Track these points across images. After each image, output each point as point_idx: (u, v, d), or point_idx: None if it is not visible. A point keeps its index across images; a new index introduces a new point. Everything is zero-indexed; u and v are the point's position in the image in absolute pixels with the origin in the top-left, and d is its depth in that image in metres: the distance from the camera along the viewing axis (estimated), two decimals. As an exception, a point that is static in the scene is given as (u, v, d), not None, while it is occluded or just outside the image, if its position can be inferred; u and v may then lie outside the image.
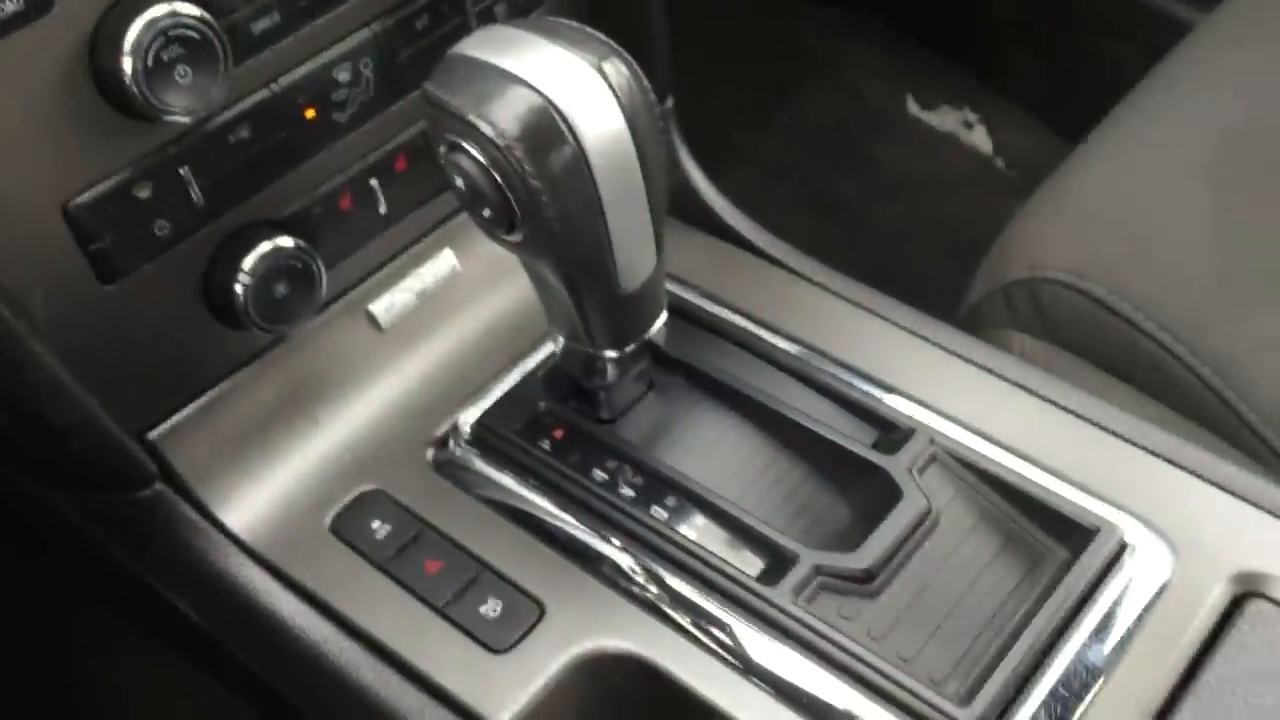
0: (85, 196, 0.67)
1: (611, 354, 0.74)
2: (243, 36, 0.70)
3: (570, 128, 0.64)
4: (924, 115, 1.89)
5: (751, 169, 1.78)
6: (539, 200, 0.64)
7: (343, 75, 0.76)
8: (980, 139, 1.84)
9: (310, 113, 0.75)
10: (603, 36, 0.67)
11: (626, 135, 0.65)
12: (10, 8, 0.61)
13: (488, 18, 0.82)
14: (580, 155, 0.64)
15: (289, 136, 0.75)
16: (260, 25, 0.71)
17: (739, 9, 1.94)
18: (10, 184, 0.64)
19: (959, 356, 0.83)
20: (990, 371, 0.81)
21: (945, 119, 1.87)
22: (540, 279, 0.72)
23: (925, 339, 0.84)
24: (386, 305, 0.85)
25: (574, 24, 0.68)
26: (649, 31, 0.91)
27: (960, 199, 1.78)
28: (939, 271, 1.69)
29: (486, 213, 0.67)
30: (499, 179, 0.65)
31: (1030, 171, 1.77)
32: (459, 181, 0.66)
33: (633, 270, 0.70)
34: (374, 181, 0.81)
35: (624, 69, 0.66)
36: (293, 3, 0.72)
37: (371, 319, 0.85)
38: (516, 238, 0.67)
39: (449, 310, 0.87)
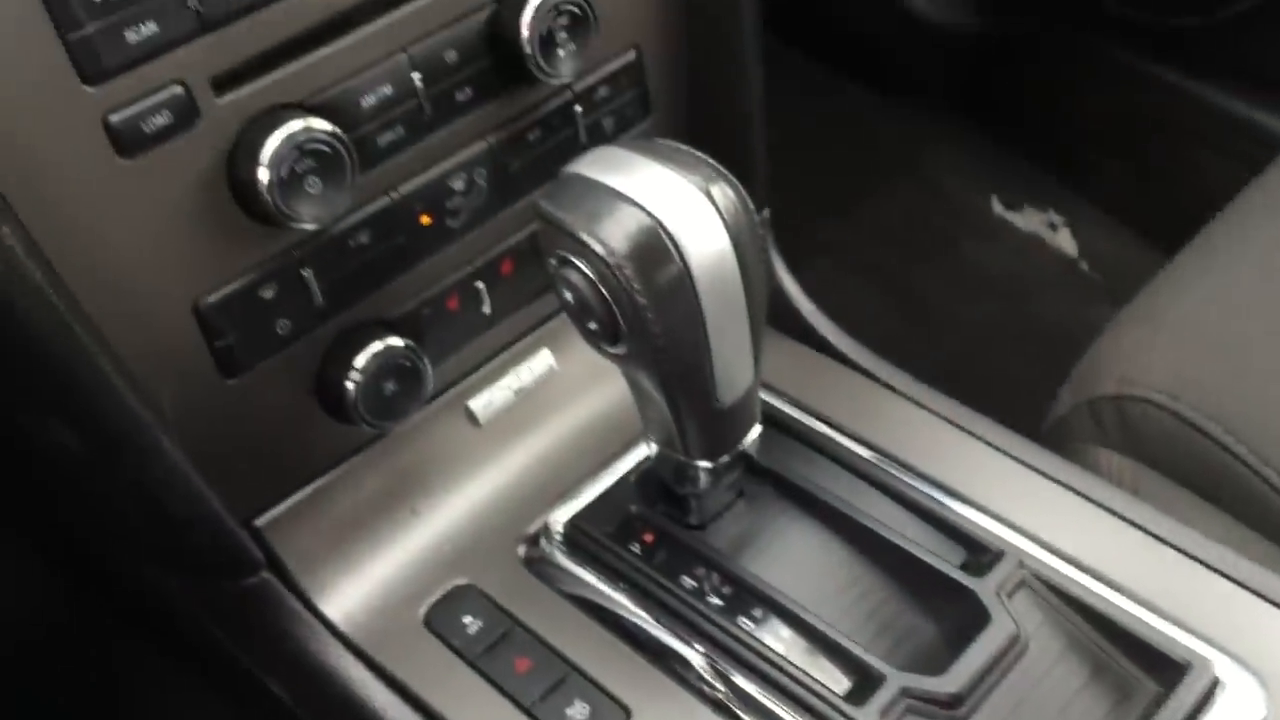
0: (215, 296, 0.71)
1: (705, 464, 0.76)
2: (369, 148, 0.74)
3: (677, 248, 0.66)
4: (1008, 215, 1.90)
5: (833, 263, 1.80)
6: (644, 317, 0.66)
7: (458, 184, 0.80)
8: (1065, 241, 1.85)
9: (425, 219, 0.79)
10: (710, 160, 0.70)
11: (731, 256, 0.68)
12: (161, 121, 0.65)
13: (596, 130, 0.86)
14: (686, 275, 0.66)
15: (405, 241, 0.78)
16: (385, 138, 0.74)
17: (825, 102, 1.98)
18: (148, 283, 0.68)
19: (1048, 477, 0.83)
20: (1080, 494, 0.81)
21: (1030, 219, 1.88)
22: (639, 388, 0.74)
23: (1015, 458, 0.85)
24: (485, 402, 0.87)
25: (683, 147, 0.71)
26: (749, 142, 0.94)
27: (1044, 301, 1.78)
28: (1021, 373, 1.69)
29: (592, 326, 0.69)
30: (607, 295, 0.67)
31: (1115, 276, 1.77)
32: (567, 295, 0.69)
33: (731, 385, 0.72)
34: (480, 284, 0.84)
35: (730, 192, 0.68)
36: (416, 116, 0.75)
37: (470, 415, 0.87)
38: (620, 350, 0.69)
39: (545, 408, 0.89)
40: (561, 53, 0.78)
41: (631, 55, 0.86)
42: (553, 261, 0.69)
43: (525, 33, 0.76)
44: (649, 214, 0.66)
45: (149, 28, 0.63)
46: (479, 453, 0.87)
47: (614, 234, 0.66)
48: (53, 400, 0.65)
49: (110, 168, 0.64)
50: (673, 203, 0.67)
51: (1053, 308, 1.75)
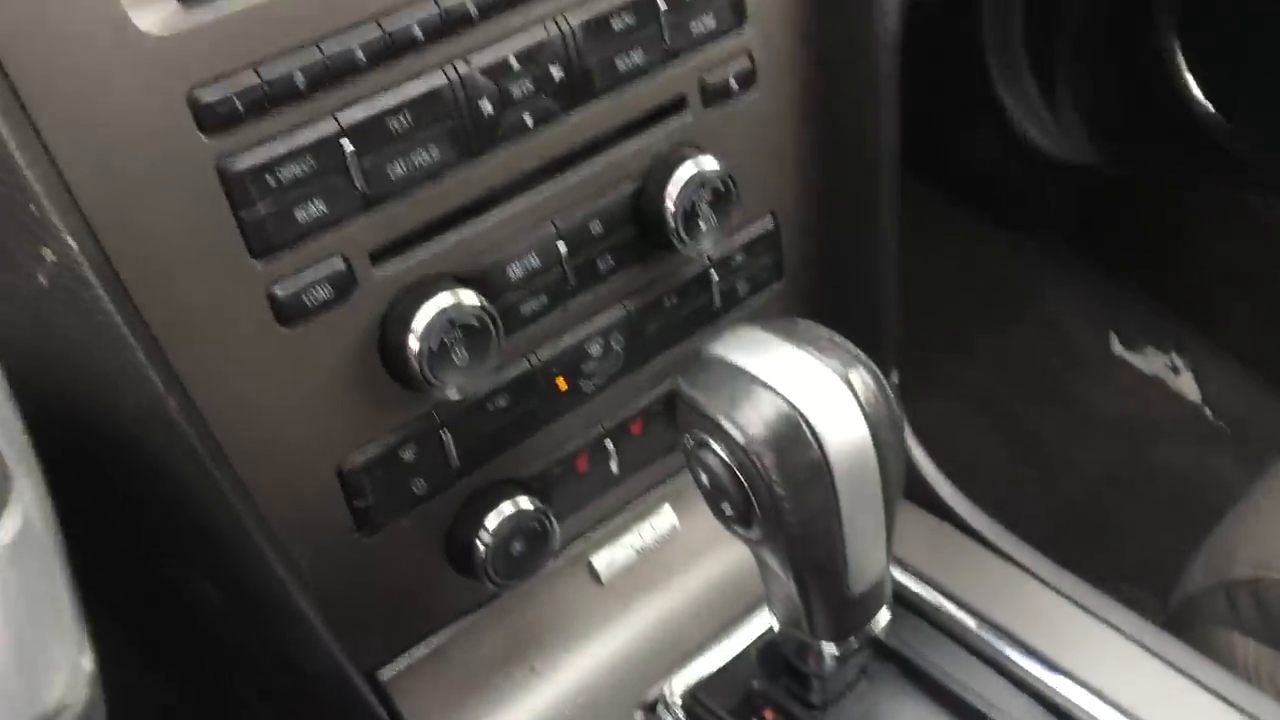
0: (358, 457, 0.73)
1: (831, 648, 0.75)
2: (513, 316, 0.75)
3: (816, 437, 0.66)
4: (1129, 356, 1.86)
5: (952, 398, 1.78)
6: (780, 505, 0.66)
7: (595, 348, 0.81)
8: (1187, 385, 1.80)
9: (561, 382, 0.80)
10: (849, 345, 0.70)
11: (869, 446, 0.67)
12: (321, 293, 0.68)
13: (730, 294, 0.87)
14: (823, 464, 0.66)
15: (540, 404, 0.79)
16: (529, 306, 0.76)
17: (945, 236, 1.98)
18: (296, 445, 0.70)
19: (1187, 676, 0.80)
20: (1222, 698, 0.78)
21: (1151, 362, 1.84)
22: (767, 568, 0.74)
23: (1150, 650, 0.82)
24: (608, 560, 0.88)
25: (821, 329, 0.71)
26: (881, 306, 0.94)
27: (1165, 446, 1.73)
28: (1140, 523, 1.65)
29: (726, 509, 0.69)
30: (743, 480, 0.67)
31: (1242, 426, 1.72)
32: (703, 477, 0.69)
33: (862, 574, 0.71)
34: (610, 443, 0.85)
35: (869, 379, 0.68)
36: (560, 285, 0.77)
37: (593, 572, 0.88)
38: (754, 535, 0.69)
39: (667, 568, 0.89)
40: (703, 225, 0.79)
41: (769, 223, 0.87)
42: (690, 442, 0.70)
43: (670, 207, 0.77)
44: (788, 401, 0.66)
45: (317, 207, 0.66)
46: (600, 611, 0.87)
47: (752, 420, 0.66)
48: (198, 557, 0.67)
49: (270, 336, 0.67)
50: (812, 390, 0.67)
51: (1174, 455, 1.70)
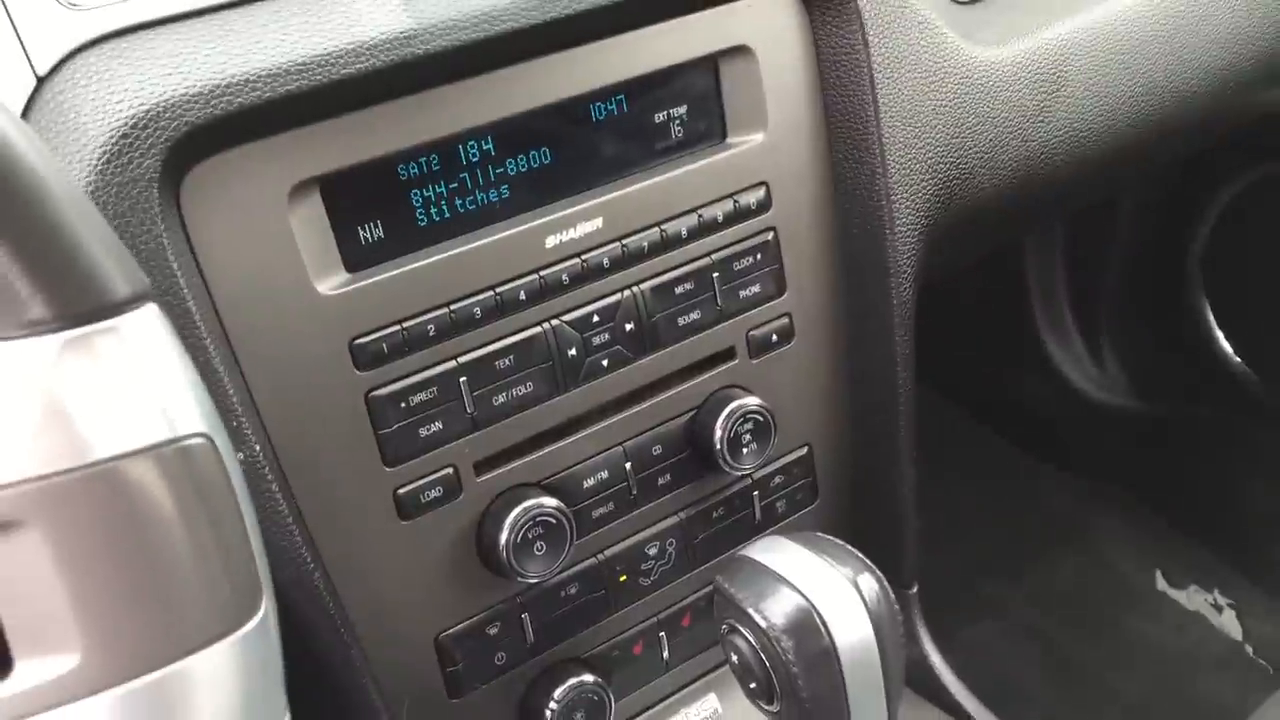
0: (453, 631, 0.88)
1: (844, 819, 0.86)
2: (584, 519, 0.91)
3: (826, 628, 0.80)
4: (1172, 592, 1.93)
5: (996, 625, 1.87)
6: (795, 682, 0.80)
7: (652, 550, 0.97)
8: (1230, 623, 1.87)
9: (623, 578, 0.95)
10: (859, 555, 0.85)
11: (872, 640, 0.81)
12: (434, 494, 0.85)
13: (770, 510, 1.02)
14: (832, 651, 0.80)
15: (604, 594, 0.95)
16: (598, 512, 0.93)
17: (996, 469, 2.11)
18: (404, 617, 0.86)
19: None
20: None
21: (1194, 599, 1.91)
22: (791, 746, 0.87)
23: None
24: (657, 737, 1.01)
25: (838, 542, 0.86)
26: (902, 526, 1.09)
27: (1206, 681, 1.79)
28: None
29: (753, 685, 0.83)
30: (766, 660, 0.81)
31: (1281, 663, 1.78)
32: (733, 657, 0.84)
33: None
34: (663, 633, 0.99)
35: (874, 585, 0.83)
36: (624, 496, 0.93)
37: (642, 749, 1.00)
38: (775, 709, 0.83)
39: None
40: (745, 450, 0.96)
41: (804, 451, 1.04)
42: (724, 628, 0.84)
43: (718, 433, 0.94)
44: (805, 598, 0.81)
45: (436, 426, 0.84)
46: None
47: (775, 612, 0.81)
48: (326, 712, 0.83)
49: (392, 527, 0.84)
50: (825, 590, 0.81)
51: (1215, 691, 1.75)
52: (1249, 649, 1.83)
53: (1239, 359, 1.91)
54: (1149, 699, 1.78)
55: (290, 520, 0.75)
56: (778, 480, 1.02)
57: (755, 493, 1.00)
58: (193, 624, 0.45)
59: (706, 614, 1.00)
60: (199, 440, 0.46)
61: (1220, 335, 1.92)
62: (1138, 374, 2.03)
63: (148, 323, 0.45)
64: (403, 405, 0.81)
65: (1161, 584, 1.94)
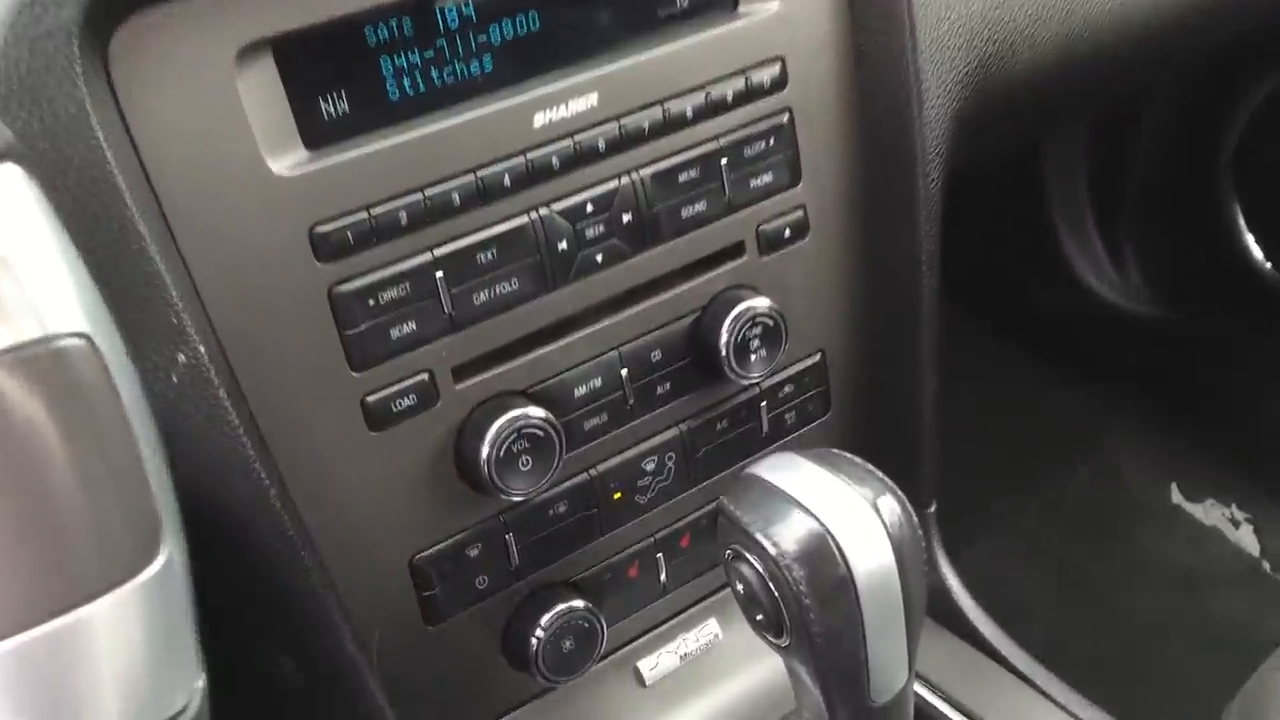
0: (429, 552, 0.80)
1: (855, 758, 0.79)
2: (575, 432, 0.83)
3: (843, 556, 0.72)
4: (1188, 506, 1.87)
5: (1003, 540, 1.81)
6: (807, 616, 0.72)
7: (649, 465, 0.88)
8: (1247, 539, 1.81)
9: (617, 495, 0.87)
10: (879, 474, 0.77)
11: (893, 568, 0.73)
12: (407, 403, 0.76)
13: (778, 423, 0.94)
14: (849, 581, 0.72)
15: (596, 513, 0.87)
16: (590, 423, 0.84)
17: (1007, 380, 2.03)
18: (376, 537, 0.78)
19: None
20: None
21: (1210, 513, 1.85)
22: (797, 678, 0.79)
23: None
24: (652, 664, 0.94)
25: (855, 459, 0.78)
26: (920, 440, 1.00)
27: (1220, 600, 1.73)
28: (1189, 675, 1.64)
29: (759, 617, 0.75)
30: (774, 591, 0.73)
31: (1300, 581, 1.72)
32: (739, 586, 0.76)
33: (885, 686, 0.76)
34: (660, 555, 0.91)
35: (895, 506, 0.75)
36: (620, 406, 0.85)
37: (638, 675, 0.93)
38: (783, 643, 0.75)
39: (709, 675, 0.95)
40: (753, 357, 0.87)
41: (816, 358, 0.95)
42: (728, 554, 0.76)
43: (724, 338, 0.85)
44: (819, 522, 0.73)
45: (409, 327, 0.75)
46: (643, 712, 0.93)
47: (785, 537, 0.73)
48: (284, 635, 0.75)
49: (360, 439, 0.76)
50: (842, 513, 0.73)
51: (1229, 608, 1.70)
52: (1266, 565, 1.78)
53: (1269, 264, 1.82)
54: (1163, 617, 1.72)
55: (241, 431, 0.67)
56: (787, 390, 0.93)
57: (763, 403, 0.92)
58: (69, 572, 0.36)
59: (708, 534, 0.93)
60: (76, 341, 0.37)
61: (1250, 239, 1.83)
62: (1160, 279, 1.95)
63: (4, 188, 0.36)
64: (371, 303, 0.72)
65: (1177, 498, 1.88)
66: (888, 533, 0.73)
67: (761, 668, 0.94)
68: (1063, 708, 0.90)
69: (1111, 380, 1.97)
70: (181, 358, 0.65)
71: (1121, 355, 1.99)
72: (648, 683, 0.93)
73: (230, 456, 0.67)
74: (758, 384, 0.92)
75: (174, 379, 0.65)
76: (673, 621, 0.95)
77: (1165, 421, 1.94)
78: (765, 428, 0.93)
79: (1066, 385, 2.00)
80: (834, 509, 0.73)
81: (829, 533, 0.72)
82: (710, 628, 0.96)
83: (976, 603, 0.96)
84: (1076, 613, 1.73)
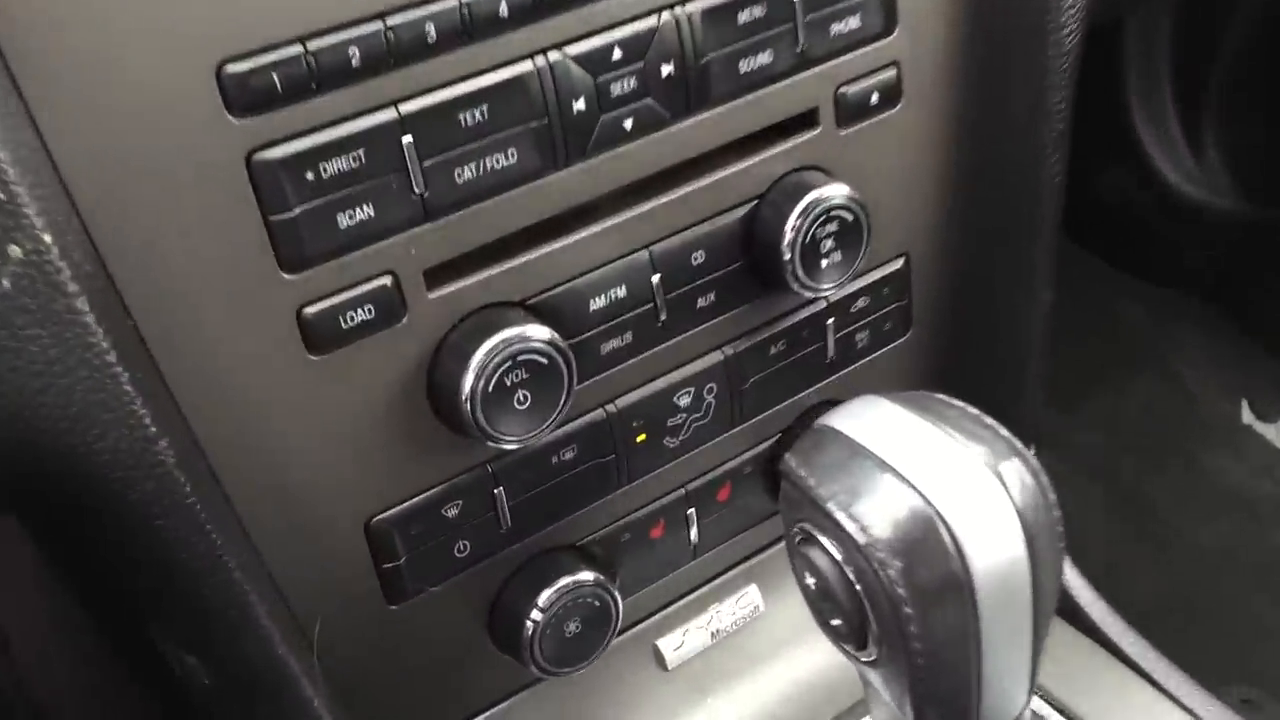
0: (391, 512, 0.62)
1: (945, 794, 0.61)
2: (589, 357, 0.64)
3: (957, 545, 0.53)
4: (1259, 426, 1.69)
5: (1057, 457, 1.62)
6: (905, 625, 0.53)
7: (684, 400, 0.69)
8: (1325, 466, 1.63)
9: (641, 437, 0.68)
10: (1002, 430, 0.57)
11: (1024, 563, 0.54)
12: (361, 316, 0.56)
13: (847, 345, 0.74)
14: (964, 580, 0.53)
15: (614, 460, 0.67)
16: (610, 346, 0.65)
17: (1061, 275, 1.82)
18: (320, 494, 0.59)
19: None
20: None
21: (1286, 436, 1.68)
22: (877, 697, 0.60)
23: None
24: (676, 643, 0.76)
25: (968, 408, 0.58)
26: (1022, 368, 0.81)
27: (1295, 532, 1.57)
28: (1260, 613, 1.48)
29: (836, 622, 0.56)
30: (858, 588, 0.54)
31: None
32: (808, 579, 0.57)
33: (998, 712, 0.57)
34: (691, 510, 0.72)
35: (1027, 475, 0.55)
36: (649, 323, 0.65)
37: (658, 656, 0.75)
38: (868, 656, 0.56)
39: (746, 658, 0.78)
40: (825, 262, 0.67)
41: (899, 264, 0.74)
42: (796, 534, 0.57)
43: (788, 236, 0.65)
44: (924, 497, 0.53)
45: (364, 212, 0.55)
46: (663, 703, 0.75)
47: (878, 518, 0.54)
48: (190, 637, 0.56)
49: (296, 364, 0.56)
50: (956, 486, 0.54)
51: (1305, 544, 1.53)
52: (1345, 496, 1.60)
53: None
54: (1230, 547, 1.56)
55: (111, 357, 0.47)
56: (861, 304, 0.74)
57: (830, 320, 0.72)
58: None
59: (752, 482, 0.73)
60: None
61: (1355, 128, 1.61)
62: (1243, 172, 1.75)
63: None
64: (309, 177, 0.53)
65: (1247, 417, 1.70)
66: (1018, 514, 0.54)
67: (816, 650, 0.76)
68: (1190, 712, 0.72)
69: (1180, 285, 1.77)
70: (16, 251, 0.44)
71: (1194, 257, 1.79)
72: (670, 665, 0.75)
73: (94, 395, 0.47)
74: (825, 296, 0.71)
75: (4, 282, 0.44)
76: (703, 589, 0.77)
77: (1238, 333, 1.75)
78: (831, 351, 0.74)
79: (1130, 288, 1.79)
80: (944, 479, 0.55)
81: (937, 513, 0.54)
82: (749, 597, 0.78)
83: (1087, 581, 0.77)
84: (1132, 538, 1.56)
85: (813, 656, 0.76)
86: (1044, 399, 0.80)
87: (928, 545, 0.54)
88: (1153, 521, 1.60)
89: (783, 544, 0.78)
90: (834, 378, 0.74)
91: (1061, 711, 0.71)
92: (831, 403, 0.75)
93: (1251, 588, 1.52)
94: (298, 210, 0.53)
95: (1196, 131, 1.74)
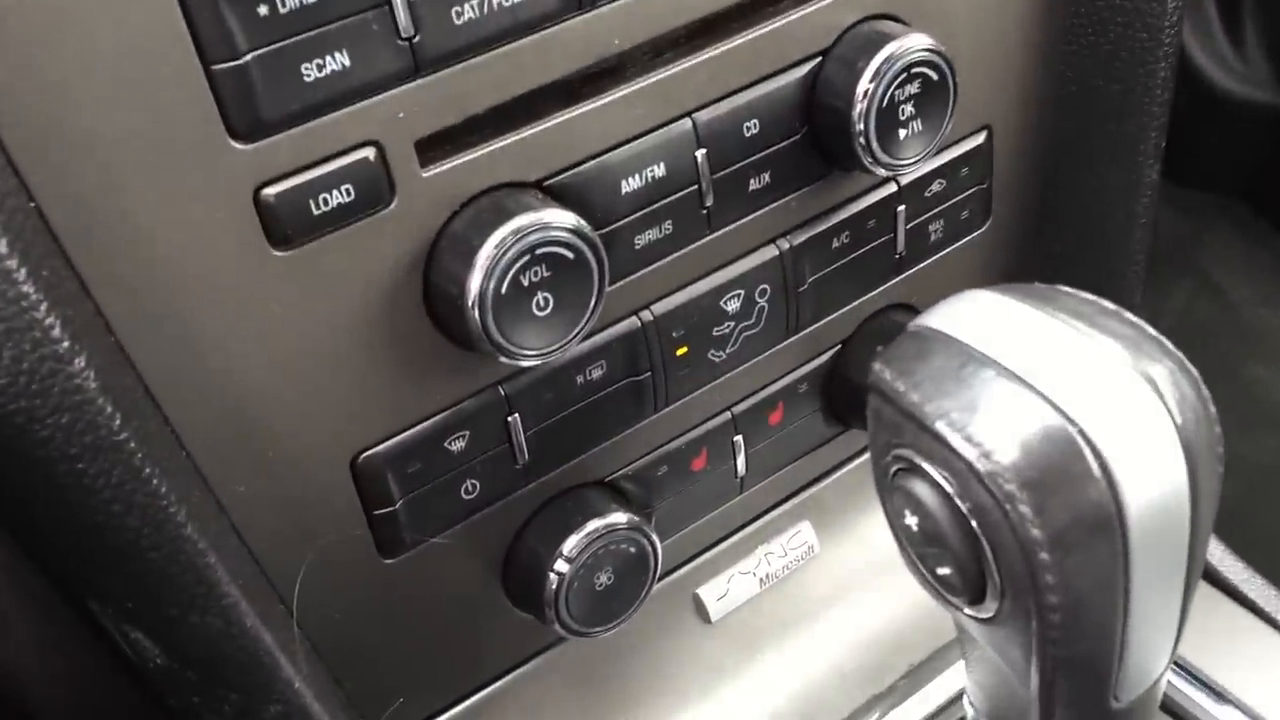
0: (383, 447, 0.50)
1: (1066, 772, 0.51)
2: (622, 252, 0.52)
3: (1106, 472, 0.42)
4: (1304, 334, 1.60)
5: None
6: (1038, 570, 0.42)
7: (731, 304, 0.57)
8: (1375, 375, 1.54)
9: (682, 350, 0.57)
10: (1148, 327, 0.46)
11: (1185, 494, 0.44)
12: (337, 199, 0.44)
13: (919, 237, 0.62)
14: (1116, 517, 0.42)
15: (650, 379, 0.56)
16: (646, 238, 0.53)
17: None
18: (292, 429, 0.47)
19: None
20: None
21: (1331, 343, 1.58)
22: (983, 659, 0.50)
23: None
24: (719, 591, 0.66)
25: (1101, 301, 0.47)
26: (1124, 267, 0.69)
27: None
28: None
29: (944, 571, 0.45)
30: (976, 526, 0.43)
31: None
32: (909, 518, 0.45)
33: (1140, 677, 0.47)
34: (739, 437, 0.61)
35: (1185, 383, 0.44)
36: (692, 210, 0.54)
37: (700, 607, 0.65)
38: (986, 612, 0.45)
39: (800, 607, 0.68)
40: (904, 132, 0.54)
41: (979, 139, 0.63)
42: (891, 464, 0.45)
43: (861, 100, 0.52)
44: (1061, 412, 0.42)
45: (337, 61, 0.42)
46: (706, 660, 0.66)
47: (1003, 438, 0.43)
48: (135, 608, 0.44)
49: (255, 261, 0.44)
50: (1102, 398, 0.43)
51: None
52: (1397, 408, 1.50)
53: None
54: (1273, 464, 1.46)
55: (7, 257, 0.34)
56: (937, 188, 0.62)
57: (901, 207, 0.60)
58: None
59: (807, 401, 0.62)
60: None
61: None
62: (1284, 61, 1.62)
63: None
64: (263, 10, 0.40)
65: (1291, 325, 1.60)
66: (1177, 431, 0.43)
67: (879, 595, 0.65)
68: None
69: (1217, 189, 1.67)
70: None
71: (1232, 157, 1.68)
72: (713, 618, 0.65)
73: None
74: (895, 178, 0.59)
75: None
76: (749, 529, 0.66)
77: (1274, 229, 1.64)
78: (901, 244, 0.61)
79: (1168, 193, 1.68)
80: (1085, 388, 0.45)
81: (1081, 432, 0.43)
82: (803, 536, 0.67)
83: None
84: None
85: (879, 602, 0.66)
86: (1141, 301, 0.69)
87: (1069, 473, 0.42)
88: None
89: (838, 475, 0.68)
90: (903, 276, 0.62)
91: (1190, 673, 0.61)
92: (900, 308, 0.64)
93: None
94: (249, 56, 0.41)
95: (1236, 19, 1.63)
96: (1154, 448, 0.43)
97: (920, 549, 0.47)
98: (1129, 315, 0.47)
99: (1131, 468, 0.43)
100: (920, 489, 0.45)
